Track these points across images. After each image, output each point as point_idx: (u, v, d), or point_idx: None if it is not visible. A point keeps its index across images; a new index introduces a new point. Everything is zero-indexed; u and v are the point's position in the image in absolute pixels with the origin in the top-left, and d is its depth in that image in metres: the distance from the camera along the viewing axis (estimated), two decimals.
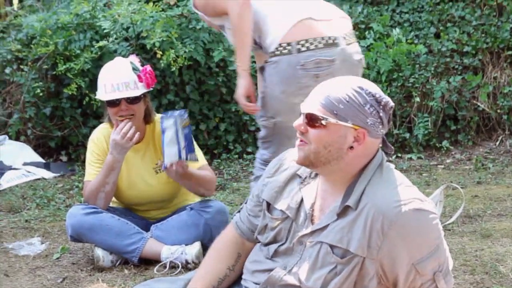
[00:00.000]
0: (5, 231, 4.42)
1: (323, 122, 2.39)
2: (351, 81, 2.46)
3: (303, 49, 3.55)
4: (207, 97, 5.45)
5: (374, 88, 2.44)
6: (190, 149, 3.68)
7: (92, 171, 3.90)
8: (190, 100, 5.35)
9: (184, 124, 3.66)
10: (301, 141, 2.45)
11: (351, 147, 2.40)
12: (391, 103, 2.42)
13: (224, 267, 2.76)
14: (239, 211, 2.86)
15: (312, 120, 2.41)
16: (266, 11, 3.65)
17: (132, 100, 3.77)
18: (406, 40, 6.03)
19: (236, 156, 5.46)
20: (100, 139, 3.93)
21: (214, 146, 5.54)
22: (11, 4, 10.66)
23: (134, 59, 3.89)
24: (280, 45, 3.57)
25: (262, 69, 3.69)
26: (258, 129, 5.42)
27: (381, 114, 2.41)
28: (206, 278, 2.75)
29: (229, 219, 3.99)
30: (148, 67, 3.86)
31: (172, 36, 5.13)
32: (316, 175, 2.56)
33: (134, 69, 3.79)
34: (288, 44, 3.55)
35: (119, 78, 3.76)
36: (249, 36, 3.61)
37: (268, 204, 2.65)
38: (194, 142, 3.78)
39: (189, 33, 5.32)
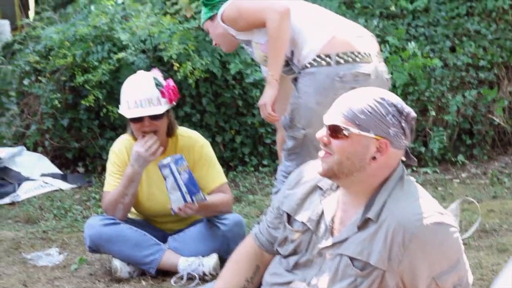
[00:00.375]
0: (23, 241, 4.45)
1: (346, 132, 2.41)
2: (373, 92, 2.48)
3: (342, 61, 3.57)
4: (223, 110, 5.48)
5: (396, 99, 2.46)
6: (193, 192, 3.69)
7: (112, 182, 3.93)
8: (206, 112, 5.38)
9: (183, 168, 3.68)
10: (325, 152, 2.49)
11: (374, 158, 2.42)
12: (413, 114, 2.45)
13: (242, 279, 2.77)
14: (258, 223, 2.88)
15: (335, 131, 2.43)
16: (300, 24, 3.67)
17: (155, 117, 3.77)
18: (422, 54, 6.05)
19: (252, 168, 5.48)
20: (122, 150, 3.97)
21: (230, 158, 5.57)
22: (27, 16, 10.78)
23: (157, 73, 3.90)
24: (318, 56, 3.59)
25: (295, 80, 3.69)
26: (274, 142, 5.46)
27: (403, 125, 2.43)
28: None
29: (246, 231, 4.03)
30: (171, 82, 3.85)
31: (189, 49, 5.17)
32: (337, 187, 2.58)
33: (157, 84, 3.79)
34: (327, 56, 3.57)
35: (142, 94, 3.77)
36: (285, 47, 3.64)
37: (289, 216, 2.66)
38: (193, 176, 3.75)
39: (206, 46, 5.35)
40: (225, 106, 5.49)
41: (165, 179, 3.68)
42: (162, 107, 3.78)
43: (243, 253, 2.85)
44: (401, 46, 6.15)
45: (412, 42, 6.14)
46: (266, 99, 3.68)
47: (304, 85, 3.61)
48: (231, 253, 3.87)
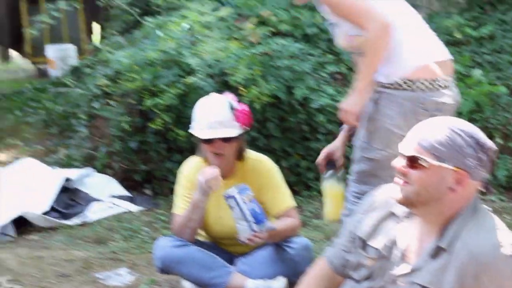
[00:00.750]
0: (94, 261, 4.53)
1: (425, 164, 2.43)
2: (451, 122, 2.49)
3: (427, 89, 3.54)
4: (289, 134, 5.52)
5: (475, 130, 2.47)
6: (260, 221, 3.69)
7: (180, 204, 3.98)
8: (271, 137, 5.42)
9: (248, 198, 3.69)
10: (403, 182, 2.51)
11: (452, 189, 2.44)
12: (494, 147, 2.46)
13: None
14: (331, 246, 2.91)
15: (413, 162, 2.46)
16: (400, 38, 3.60)
17: (227, 139, 3.83)
18: (487, 81, 6.03)
19: (316, 193, 5.47)
20: (190, 172, 4.01)
21: (295, 183, 5.60)
22: (90, 40, 11.02)
23: (231, 97, 3.96)
24: (407, 80, 3.57)
25: (376, 100, 3.65)
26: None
27: (482, 157, 2.44)
28: None
29: (313, 255, 4.05)
30: (245, 107, 3.91)
31: (255, 74, 5.23)
32: (412, 214, 2.60)
33: (231, 107, 3.86)
34: (415, 81, 3.56)
35: (216, 116, 3.83)
36: (380, 62, 3.58)
37: (362, 241, 2.69)
38: (261, 207, 3.75)
39: (272, 71, 5.40)
40: (290, 131, 5.52)
41: (231, 209, 3.74)
42: (234, 130, 3.83)
43: (315, 276, 2.89)
44: (466, 72, 6.13)
45: (477, 69, 6.13)
46: (350, 107, 3.64)
47: (387, 107, 3.59)
48: (298, 276, 3.92)
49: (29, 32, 10.23)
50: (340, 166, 3.97)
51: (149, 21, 6.07)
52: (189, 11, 5.69)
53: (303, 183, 5.42)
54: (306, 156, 5.55)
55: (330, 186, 3.97)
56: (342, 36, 3.67)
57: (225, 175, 3.95)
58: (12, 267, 4.47)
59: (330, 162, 3.97)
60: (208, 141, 3.84)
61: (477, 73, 6.04)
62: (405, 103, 3.56)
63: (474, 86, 5.89)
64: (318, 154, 5.49)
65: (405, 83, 3.57)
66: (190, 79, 5.16)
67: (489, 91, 5.92)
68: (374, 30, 3.52)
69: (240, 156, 3.96)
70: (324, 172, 3.94)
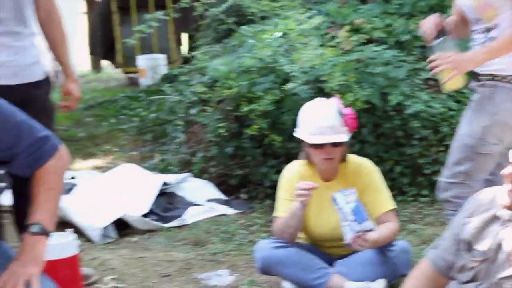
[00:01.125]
0: (194, 262, 4.63)
1: None
2: None
3: None
4: (383, 140, 5.52)
5: None
6: (360, 220, 3.74)
7: (281, 208, 4.07)
8: (366, 142, 5.43)
9: (351, 199, 3.77)
10: None
11: None
12: None
13: None
14: (434, 248, 2.94)
15: None
16: None
17: (337, 144, 3.89)
18: None
19: (411, 198, 5.48)
20: (292, 176, 4.09)
21: (389, 188, 5.55)
22: (179, 50, 11.20)
23: (338, 102, 4.02)
24: None
25: (490, 95, 3.66)
26: (433, 173, 5.47)
27: None
28: None
29: (412, 258, 4.07)
30: (352, 111, 3.97)
31: (350, 80, 5.25)
32: None
33: (340, 113, 3.92)
34: None
35: (326, 121, 3.89)
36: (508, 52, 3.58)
37: (467, 244, 2.72)
38: (364, 208, 3.81)
39: (366, 77, 5.43)
40: (384, 136, 5.53)
41: (337, 211, 3.81)
42: (343, 135, 3.90)
43: (419, 278, 2.91)
44: None
45: None
46: (461, 60, 3.57)
47: (504, 101, 3.61)
48: (397, 279, 3.96)
49: (121, 42, 10.51)
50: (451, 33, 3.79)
51: (245, 30, 6.15)
52: (285, 19, 5.75)
53: (397, 188, 5.41)
54: (400, 162, 5.54)
55: (446, 50, 3.70)
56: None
57: (330, 177, 4.03)
58: (115, 267, 4.60)
59: (440, 30, 3.76)
60: (318, 146, 3.90)
61: None
62: None
63: None
64: (413, 160, 5.55)
65: None
66: (289, 85, 5.19)
67: None
68: None
69: (343, 158, 4.03)
70: (432, 40, 3.76)
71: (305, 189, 3.85)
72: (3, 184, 5.81)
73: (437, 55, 3.61)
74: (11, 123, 2.78)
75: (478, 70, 3.69)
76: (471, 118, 3.72)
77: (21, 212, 3.76)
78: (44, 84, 3.94)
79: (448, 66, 3.56)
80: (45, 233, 2.78)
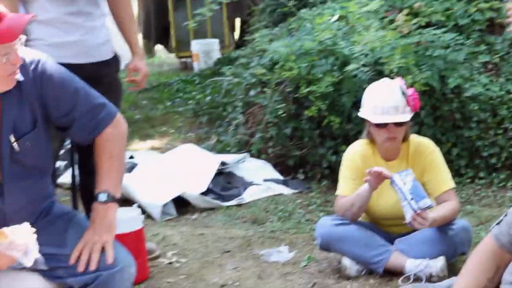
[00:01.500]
0: (253, 239, 4.72)
1: None
2: None
3: None
4: (441, 123, 5.54)
5: None
6: (418, 198, 3.79)
7: (344, 186, 4.13)
8: (424, 125, 5.45)
9: (409, 179, 3.82)
10: None
11: None
12: None
13: (484, 279, 2.85)
14: (498, 223, 2.96)
15: None
16: None
17: (400, 124, 3.95)
18: None
19: (468, 180, 5.49)
20: (354, 156, 4.15)
21: None
22: (233, 35, 11.27)
23: (402, 82, 4.07)
24: None
25: None
26: (490, 155, 5.50)
27: None
28: (468, 287, 2.86)
29: (472, 237, 4.11)
30: (415, 92, 4.01)
31: (409, 63, 5.26)
32: None
33: (403, 93, 3.97)
34: None
35: (389, 101, 3.94)
36: None
37: None
38: (421, 186, 3.85)
39: (425, 60, 5.43)
40: (442, 119, 5.54)
41: (397, 192, 3.87)
42: (406, 115, 3.95)
43: (483, 254, 2.91)
44: None
45: None
46: None
47: None
48: (457, 257, 4.01)
49: (175, 27, 10.64)
50: None
51: (304, 13, 6.21)
52: (346, 2, 5.78)
53: (454, 171, 5.40)
54: (457, 144, 5.55)
55: None
56: None
57: (392, 157, 4.09)
58: (176, 243, 4.72)
59: None
60: (382, 126, 3.96)
61: None
62: None
63: None
64: (471, 142, 5.56)
65: None
66: (350, 67, 5.22)
67: None
68: None
69: (405, 138, 4.07)
70: None
71: (379, 176, 3.89)
72: (64, 163, 5.97)
73: None
74: (70, 88, 2.89)
75: None
76: None
77: (87, 187, 3.90)
78: (113, 63, 4.06)
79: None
80: (113, 200, 2.89)
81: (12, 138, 2.79)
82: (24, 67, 2.79)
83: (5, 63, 2.66)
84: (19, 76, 2.76)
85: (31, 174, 2.88)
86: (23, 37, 2.73)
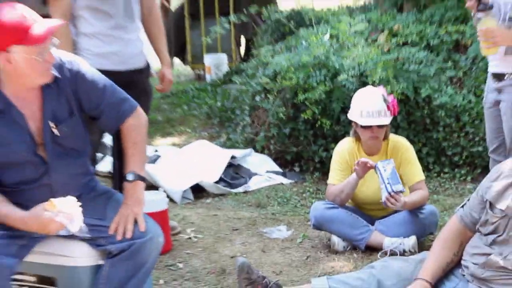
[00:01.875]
0: (258, 220, 4.76)
1: None
2: None
3: None
4: (413, 126, 5.57)
5: None
6: (393, 183, 3.85)
7: (334, 176, 4.18)
8: (399, 127, 5.48)
9: (389, 167, 3.88)
10: None
11: None
12: None
13: (450, 254, 2.91)
14: (462, 207, 3.00)
15: None
16: None
17: (382, 126, 4.00)
18: None
19: (435, 175, 5.53)
20: (343, 151, 4.20)
21: None
22: (239, 51, 11.27)
23: (383, 90, 4.12)
24: None
25: None
26: (454, 154, 5.52)
27: None
28: (436, 260, 2.90)
29: (438, 220, 4.15)
30: (394, 99, 4.05)
31: (389, 75, 5.30)
32: None
33: (385, 100, 4.02)
34: None
35: (374, 106, 3.99)
36: None
37: (490, 203, 2.78)
38: (398, 175, 3.90)
39: (402, 73, 5.47)
40: (415, 123, 5.57)
41: (378, 176, 3.93)
42: (387, 118, 4.00)
43: (450, 233, 2.96)
44: None
45: None
46: (506, 36, 3.54)
47: None
48: (426, 236, 4.04)
49: (191, 44, 10.65)
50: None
51: (303, 31, 6.22)
52: (338, 23, 5.80)
53: (424, 166, 5.35)
54: (427, 144, 5.58)
55: (487, 22, 3.59)
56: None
57: (373, 153, 4.14)
58: (194, 222, 4.76)
59: (481, 2, 3.62)
60: (367, 127, 4.01)
61: None
62: None
63: None
64: (438, 143, 5.56)
65: None
66: (340, 78, 5.23)
67: None
68: None
69: (385, 137, 4.12)
70: (475, 12, 3.67)
71: (365, 165, 3.94)
72: (100, 155, 5.99)
73: (487, 28, 3.54)
74: (99, 85, 2.91)
75: (504, 71, 3.70)
76: None
77: (120, 171, 3.93)
78: (145, 70, 4.08)
79: (494, 40, 3.54)
80: (139, 178, 2.92)
81: (52, 124, 2.82)
82: (61, 67, 2.83)
83: (40, 61, 2.70)
84: (56, 73, 2.80)
85: (71, 154, 2.90)
86: (55, 40, 2.76)
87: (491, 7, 3.58)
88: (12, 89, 2.78)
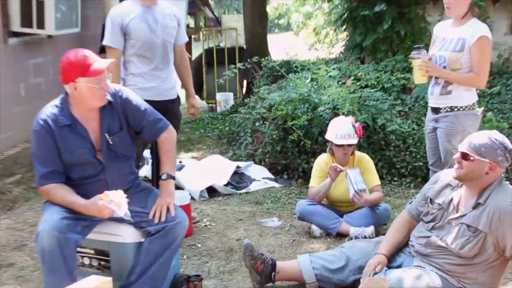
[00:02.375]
0: (256, 213, 4.74)
1: (472, 158, 2.57)
2: (491, 133, 2.62)
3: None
4: (372, 146, 5.55)
5: (504, 139, 2.62)
6: (358, 184, 3.88)
7: (314, 181, 4.18)
8: (361, 147, 5.43)
9: (356, 172, 3.92)
10: (458, 167, 2.66)
11: (487, 173, 2.56)
12: None
13: (401, 236, 2.96)
14: (410, 203, 3.04)
15: (465, 156, 2.59)
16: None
17: (351, 145, 4.03)
18: (496, 119, 5.98)
19: (387, 182, 5.50)
20: (321, 163, 4.21)
21: None
22: (242, 91, 11.28)
23: (352, 119, 4.15)
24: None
25: (455, 119, 3.62)
26: (401, 167, 5.50)
27: (507, 155, 2.57)
28: (390, 241, 2.95)
29: (391, 214, 4.16)
30: (359, 125, 4.07)
31: (354, 108, 5.33)
32: (461, 185, 2.74)
33: (353, 125, 4.05)
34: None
35: (345, 130, 4.01)
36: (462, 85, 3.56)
37: (431, 199, 2.83)
38: (362, 178, 3.93)
39: (364, 107, 5.49)
40: (373, 144, 5.56)
41: (348, 180, 3.94)
42: (355, 139, 4.02)
43: (401, 221, 3.01)
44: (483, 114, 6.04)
45: (490, 112, 6.10)
46: (434, 68, 3.54)
47: (466, 121, 3.61)
48: (380, 226, 4.04)
49: (206, 84, 10.67)
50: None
51: (292, 76, 6.23)
52: (317, 70, 5.83)
53: (379, 176, 5.25)
54: (381, 160, 5.57)
55: (421, 56, 3.62)
56: (455, 55, 3.54)
57: (344, 164, 4.14)
58: (209, 213, 4.73)
59: (416, 46, 3.67)
60: (339, 146, 4.03)
61: (489, 114, 6.02)
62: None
63: (488, 122, 5.86)
64: (389, 159, 5.54)
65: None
66: (319, 109, 5.25)
67: (497, 126, 5.86)
68: (482, 82, 3.54)
69: (352, 153, 4.14)
70: (412, 54, 3.66)
71: (335, 170, 3.96)
72: (140, 164, 5.95)
73: (423, 60, 3.56)
74: (141, 108, 2.95)
75: (440, 105, 3.68)
76: (449, 137, 3.65)
77: (158, 173, 3.92)
78: (176, 100, 4.10)
79: (428, 69, 3.57)
80: (171, 177, 2.95)
81: (107, 136, 2.86)
82: (114, 94, 2.88)
83: (98, 88, 2.74)
84: (110, 98, 2.84)
85: (120, 158, 2.93)
86: (109, 74, 2.80)
87: (423, 48, 3.63)
88: (78, 109, 2.82)
